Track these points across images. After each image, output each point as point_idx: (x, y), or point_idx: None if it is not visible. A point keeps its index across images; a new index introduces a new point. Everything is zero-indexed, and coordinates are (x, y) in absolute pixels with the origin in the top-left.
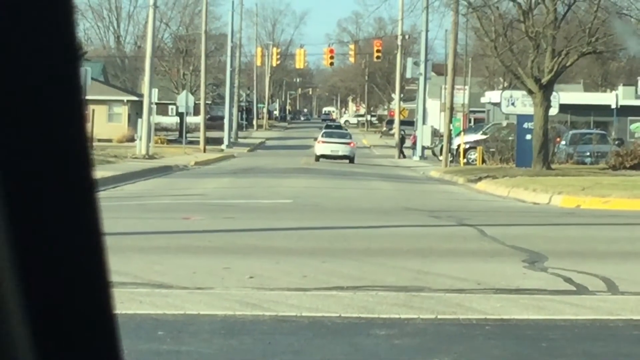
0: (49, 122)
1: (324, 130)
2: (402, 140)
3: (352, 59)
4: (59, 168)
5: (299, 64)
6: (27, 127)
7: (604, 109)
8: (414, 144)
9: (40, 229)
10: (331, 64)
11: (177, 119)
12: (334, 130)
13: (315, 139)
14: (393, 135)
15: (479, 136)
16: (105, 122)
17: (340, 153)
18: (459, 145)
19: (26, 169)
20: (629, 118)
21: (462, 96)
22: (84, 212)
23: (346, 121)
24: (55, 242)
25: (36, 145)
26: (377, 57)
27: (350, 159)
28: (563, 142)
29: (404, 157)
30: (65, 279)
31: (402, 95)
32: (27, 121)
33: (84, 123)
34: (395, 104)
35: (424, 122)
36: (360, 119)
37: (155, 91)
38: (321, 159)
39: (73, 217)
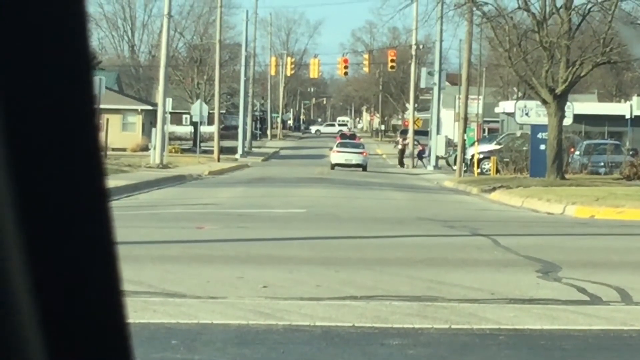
0: (62, 131)
1: (338, 141)
2: (403, 150)
3: (366, 69)
4: (71, 177)
5: (313, 73)
6: (39, 135)
7: (618, 119)
8: (421, 152)
9: (52, 238)
10: (345, 73)
11: (191, 128)
12: (348, 140)
13: (331, 148)
14: (407, 145)
15: (492, 146)
16: (119, 131)
17: (353, 162)
18: (472, 155)
19: (38, 177)
20: None
21: (476, 106)
22: (97, 221)
23: (317, 130)
24: (67, 251)
25: (48, 154)
26: (392, 67)
27: (363, 167)
28: (577, 153)
29: (403, 166)
30: (77, 287)
31: (416, 105)
32: (39, 130)
33: (97, 132)
34: (409, 114)
35: (438, 132)
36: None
37: (169, 100)
38: (336, 168)
39: (85, 226)
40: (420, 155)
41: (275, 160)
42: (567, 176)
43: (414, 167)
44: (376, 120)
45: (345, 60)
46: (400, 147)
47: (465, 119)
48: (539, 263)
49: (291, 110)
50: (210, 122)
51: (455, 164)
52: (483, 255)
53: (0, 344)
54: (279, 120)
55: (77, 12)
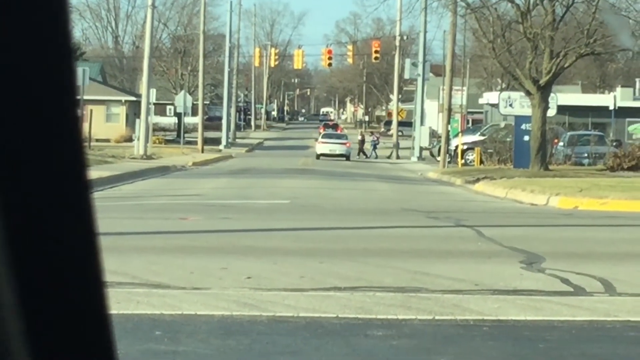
0: (43, 122)
1: (323, 133)
2: (362, 140)
3: (350, 60)
4: (53, 168)
5: (297, 64)
6: (20, 126)
7: (602, 111)
8: (375, 142)
9: (34, 229)
10: (329, 64)
11: (175, 119)
12: (332, 132)
13: (316, 139)
14: (391, 136)
15: (477, 137)
16: (103, 122)
17: (337, 152)
18: (457, 146)
19: (19, 168)
20: (627, 119)
21: (460, 97)
22: (78, 212)
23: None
24: (48, 242)
25: (29, 145)
26: (376, 58)
27: (347, 157)
28: (561, 144)
29: (366, 156)
30: (58, 278)
31: (400, 96)
32: (20, 121)
33: (79, 123)
34: (393, 105)
35: (422, 123)
36: None
37: (153, 91)
38: (320, 158)
39: (67, 217)
40: (374, 146)
41: (259, 151)
42: (550, 167)
43: (397, 157)
44: (360, 111)
45: (329, 51)
46: (359, 137)
47: (449, 110)
48: (522, 254)
49: (275, 101)
50: (194, 113)
51: (439, 155)
52: (467, 246)
53: None
54: (263, 111)
55: (58, 3)
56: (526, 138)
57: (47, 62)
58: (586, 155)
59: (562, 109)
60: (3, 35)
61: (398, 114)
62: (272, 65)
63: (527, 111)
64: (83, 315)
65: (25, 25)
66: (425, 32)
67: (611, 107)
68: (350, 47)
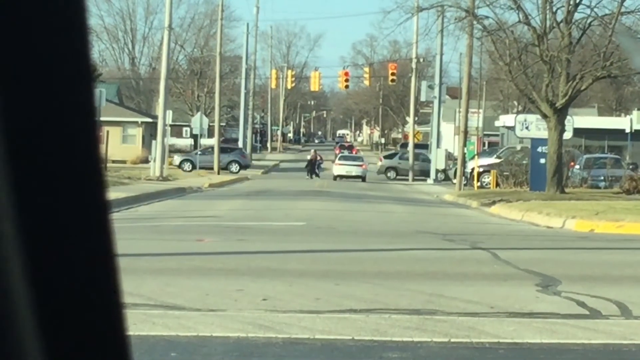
0: (62, 143)
1: (340, 154)
2: (311, 161)
3: (366, 82)
4: (72, 189)
5: (314, 86)
6: (40, 148)
7: (618, 133)
8: (319, 162)
9: (53, 250)
10: (346, 86)
11: (191, 141)
12: (349, 154)
13: (333, 161)
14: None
15: (493, 160)
16: (119, 144)
17: (353, 173)
18: (473, 169)
19: (39, 189)
20: None
21: (476, 120)
22: (97, 233)
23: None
24: (68, 263)
25: (49, 166)
26: (392, 80)
27: (362, 178)
28: (577, 167)
29: (317, 176)
30: (78, 299)
31: (416, 118)
32: (40, 142)
33: (98, 144)
34: (409, 127)
35: (438, 146)
36: None
37: (169, 113)
38: (336, 180)
39: (86, 238)
40: (318, 165)
41: (275, 173)
42: (567, 190)
43: (413, 180)
44: (376, 134)
45: (346, 74)
46: (309, 157)
47: (466, 132)
48: (538, 277)
49: (291, 123)
50: (210, 134)
51: (455, 177)
52: (482, 269)
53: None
54: (279, 133)
55: (78, 25)
56: (542, 161)
57: (67, 84)
58: (602, 178)
59: (578, 132)
60: (23, 58)
61: (414, 136)
62: (289, 87)
63: (543, 134)
64: (102, 336)
65: (45, 48)
66: (441, 54)
67: (627, 130)
68: (366, 69)
